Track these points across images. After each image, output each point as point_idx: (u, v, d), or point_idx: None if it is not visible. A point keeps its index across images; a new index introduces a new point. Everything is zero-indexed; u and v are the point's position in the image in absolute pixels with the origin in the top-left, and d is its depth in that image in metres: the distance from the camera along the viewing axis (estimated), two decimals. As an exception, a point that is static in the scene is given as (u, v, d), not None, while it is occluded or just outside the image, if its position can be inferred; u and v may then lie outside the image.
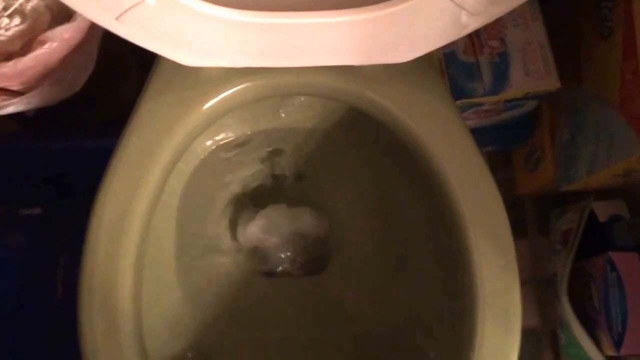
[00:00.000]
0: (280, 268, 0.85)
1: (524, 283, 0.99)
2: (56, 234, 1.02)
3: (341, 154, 0.84)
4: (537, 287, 1.06)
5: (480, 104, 0.85)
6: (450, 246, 0.66)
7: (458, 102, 0.83)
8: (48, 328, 0.98)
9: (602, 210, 0.92)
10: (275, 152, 0.86)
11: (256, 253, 0.85)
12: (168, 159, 0.65)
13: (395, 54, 0.64)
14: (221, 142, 0.83)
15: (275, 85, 0.69)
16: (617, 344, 0.82)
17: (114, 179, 0.63)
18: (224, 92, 0.67)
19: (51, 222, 1.03)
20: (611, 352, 0.84)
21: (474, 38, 0.85)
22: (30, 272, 1.01)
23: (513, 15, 0.84)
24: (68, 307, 0.89)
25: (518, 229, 1.08)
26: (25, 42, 0.70)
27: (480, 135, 0.76)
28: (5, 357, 0.96)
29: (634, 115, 0.74)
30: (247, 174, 0.87)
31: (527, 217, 1.09)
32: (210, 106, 0.67)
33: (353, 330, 0.80)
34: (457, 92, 0.82)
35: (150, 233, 0.66)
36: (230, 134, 0.82)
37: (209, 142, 0.82)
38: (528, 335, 1.03)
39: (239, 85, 0.68)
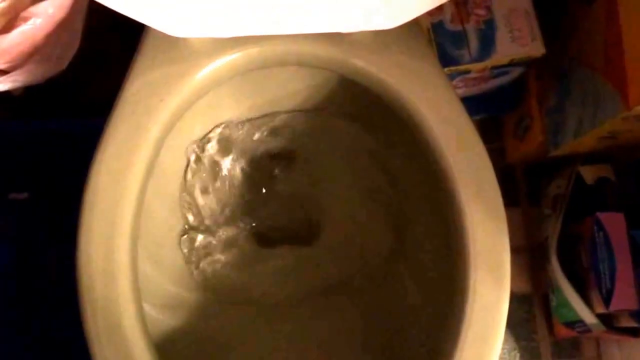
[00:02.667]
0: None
1: (515, 251, 1.01)
2: (46, 220, 1.02)
3: (332, 126, 0.85)
4: (528, 255, 1.08)
5: (467, 72, 0.87)
6: (444, 208, 0.68)
7: (446, 70, 0.84)
8: (42, 318, 0.97)
9: (589, 174, 0.94)
10: (268, 129, 0.87)
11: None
12: (159, 133, 0.66)
13: (383, 20, 0.65)
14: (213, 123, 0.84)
15: (264, 54, 0.70)
16: (607, 301, 0.84)
17: (105, 156, 0.64)
18: (213, 63, 0.68)
19: (40, 208, 1.02)
20: (601, 309, 0.86)
21: (461, 7, 0.86)
22: (22, 260, 1.00)
23: (499, -18, 0.86)
24: (62, 296, 0.91)
25: (509, 198, 1.09)
26: (8, 20, 0.71)
27: (468, 104, 0.77)
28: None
29: (618, 78, 0.76)
30: (239, 154, 0.87)
31: (518, 187, 1.11)
32: (200, 78, 0.68)
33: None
34: (445, 59, 0.84)
35: (146, 208, 0.67)
36: (220, 114, 0.83)
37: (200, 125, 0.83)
38: (520, 301, 1.06)
39: (227, 55, 0.69)
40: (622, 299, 0.83)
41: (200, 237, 0.84)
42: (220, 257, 0.83)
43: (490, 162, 0.67)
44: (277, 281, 0.83)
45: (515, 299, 1.03)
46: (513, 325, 1.05)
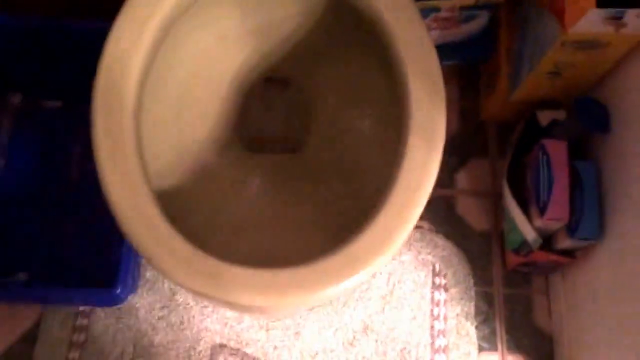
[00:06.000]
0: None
1: (482, 195, 1.14)
2: (73, 125, 1.18)
3: (319, 43, 0.99)
4: (493, 199, 1.19)
5: (438, 9, 1.00)
6: (396, 88, 0.81)
7: (418, 4, 0.97)
8: (65, 204, 1.15)
9: (545, 118, 1.05)
10: (265, 52, 1.01)
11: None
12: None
13: None
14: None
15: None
16: (542, 211, 0.95)
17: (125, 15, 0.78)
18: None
19: (70, 113, 1.19)
20: (539, 222, 0.97)
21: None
22: (50, 156, 1.17)
23: None
24: (82, 187, 1.07)
25: (481, 150, 1.23)
26: None
27: (445, 51, 0.90)
28: (27, 228, 1.13)
29: (557, 11, 0.88)
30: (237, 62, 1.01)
31: (489, 140, 1.23)
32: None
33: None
34: (417, -7, 0.97)
35: (155, 69, 0.81)
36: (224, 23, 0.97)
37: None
38: (480, 237, 1.18)
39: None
40: (556, 210, 0.94)
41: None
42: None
43: (435, 52, 0.79)
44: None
45: (477, 235, 1.16)
46: (471, 257, 1.16)
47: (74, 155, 1.17)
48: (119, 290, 0.89)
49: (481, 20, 1.05)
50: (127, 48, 0.77)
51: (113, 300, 0.92)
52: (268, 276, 0.68)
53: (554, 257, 1.02)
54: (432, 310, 1.11)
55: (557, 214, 0.94)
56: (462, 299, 1.12)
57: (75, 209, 1.12)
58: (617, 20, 0.84)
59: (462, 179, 1.21)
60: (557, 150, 0.97)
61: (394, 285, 1.12)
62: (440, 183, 1.13)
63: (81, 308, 1.08)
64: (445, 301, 1.12)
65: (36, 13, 1.07)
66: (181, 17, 0.85)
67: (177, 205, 0.78)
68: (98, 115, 0.74)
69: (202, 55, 0.98)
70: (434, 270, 1.14)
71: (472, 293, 1.13)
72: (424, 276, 1.13)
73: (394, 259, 1.13)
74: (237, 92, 1.02)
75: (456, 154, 1.22)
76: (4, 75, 1.14)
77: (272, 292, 0.68)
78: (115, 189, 0.72)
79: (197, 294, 0.70)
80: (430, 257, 1.15)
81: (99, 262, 1.01)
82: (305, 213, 0.92)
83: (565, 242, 0.98)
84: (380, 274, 1.12)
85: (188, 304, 1.09)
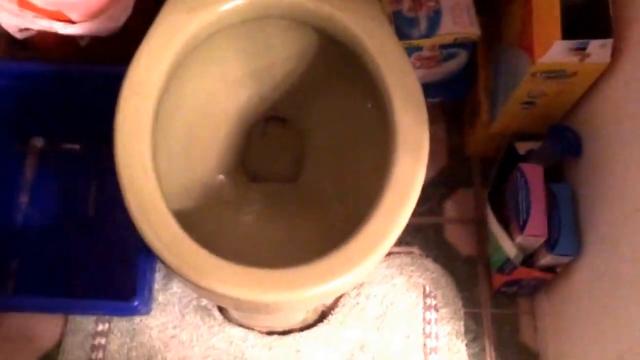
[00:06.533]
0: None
1: (467, 222, 1.23)
2: (89, 165, 1.30)
3: (314, 81, 1.09)
4: (477, 226, 1.28)
5: (419, 48, 1.11)
6: (382, 107, 0.91)
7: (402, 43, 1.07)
8: (83, 237, 1.25)
9: (522, 148, 1.15)
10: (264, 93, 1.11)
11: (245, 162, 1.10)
12: (183, 44, 0.92)
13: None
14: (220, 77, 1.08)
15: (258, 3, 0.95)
16: (522, 227, 1.04)
17: (141, 54, 0.90)
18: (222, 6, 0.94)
19: (87, 156, 1.31)
20: (519, 238, 1.06)
21: (417, 0, 1.11)
22: (69, 194, 1.29)
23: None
24: (98, 221, 1.17)
25: (467, 181, 1.33)
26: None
27: (429, 88, 1.01)
28: (49, 259, 1.23)
29: (527, 41, 0.99)
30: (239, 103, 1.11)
31: (473, 172, 1.33)
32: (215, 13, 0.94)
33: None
34: (400, 35, 1.08)
35: (164, 110, 0.91)
36: (226, 64, 1.08)
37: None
38: (467, 262, 1.26)
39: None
40: (535, 226, 1.03)
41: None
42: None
43: (414, 73, 0.89)
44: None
45: (464, 259, 1.24)
46: (459, 279, 1.25)
47: (91, 192, 1.27)
48: (136, 303, 0.98)
49: (461, 59, 1.16)
50: (140, 93, 0.88)
51: (132, 310, 1.00)
52: (260, 273, 0.79)
53: (536, 274, 1.10)
54: (424, 329, 1.19)
55: (536, 229, 1.03)
56: (452, 318, 1.20)
57: (91, 241, 1.22)
58: (582, 51, 0.93)
59: (449, 207, 1.30)
60: (533, 172, 1.07)
61: (387, 306, 1.20)
62: (429, 211, 1.24)
63: (99, 329, 1.16)
64: (436, 320, 1.19)
65: (56, 59, 1.17)
66: (186, 61, 0.95)
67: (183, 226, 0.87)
68: (120, 153, 0.85)
69: (207, 96, 1.09)
70: (424, 292, 1.22)
71: (461, 313, 1.21)
72: (415, 297, 1.21)
73: (386, 282, 1.21)
74: (240, 129, 1.12)
75: (444, 185, 1.32)
76: (29, 121, 1.26)
77: (263, 287, 0.78)
78: (136, 209, 0.81)
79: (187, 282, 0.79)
80: (421, 280, 1.23)
81: (115, 285, 1.09)
82: (302, 234, 1.01)
83: (545, 259, 1.06)
84: (375, 296, 1.20)
85: (197, 324, 1.17)
